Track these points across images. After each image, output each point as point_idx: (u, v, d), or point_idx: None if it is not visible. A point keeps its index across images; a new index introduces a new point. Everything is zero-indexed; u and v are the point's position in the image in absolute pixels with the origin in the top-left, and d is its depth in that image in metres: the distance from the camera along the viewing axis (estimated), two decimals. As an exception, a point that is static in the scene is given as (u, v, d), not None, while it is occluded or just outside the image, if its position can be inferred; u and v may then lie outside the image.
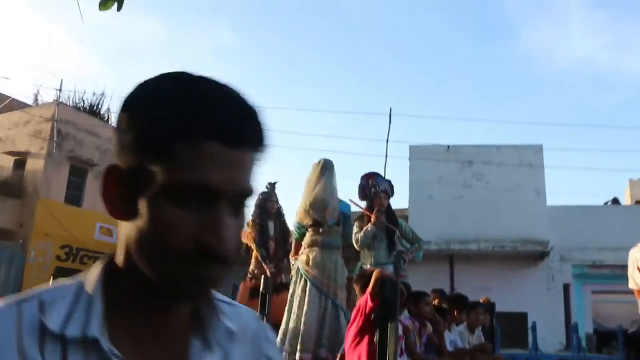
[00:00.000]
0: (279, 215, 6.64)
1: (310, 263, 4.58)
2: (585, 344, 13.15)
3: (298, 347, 4.36)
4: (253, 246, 6.26)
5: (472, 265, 16.15)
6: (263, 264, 6.14)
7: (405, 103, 48.96)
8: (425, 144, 17.62)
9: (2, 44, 39.50)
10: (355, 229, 5.16)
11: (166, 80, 0.66)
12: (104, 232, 16.29)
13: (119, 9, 2.92)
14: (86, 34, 42.47)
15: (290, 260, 5.26)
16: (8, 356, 0.60)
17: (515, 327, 13.83)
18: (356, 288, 4.11)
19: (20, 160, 16.21)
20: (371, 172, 5.71)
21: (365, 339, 3.71)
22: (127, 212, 0.65)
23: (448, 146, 17.24)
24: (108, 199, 0.66)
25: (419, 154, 17.02)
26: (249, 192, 0.66)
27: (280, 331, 4.53)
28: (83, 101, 18.55)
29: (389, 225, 5.24)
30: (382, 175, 5.80)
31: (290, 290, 4.70)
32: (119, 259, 0.68)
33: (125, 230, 0.66)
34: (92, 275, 0.68)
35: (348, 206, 5.18)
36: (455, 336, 5.22)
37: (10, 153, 16.35)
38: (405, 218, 12.51)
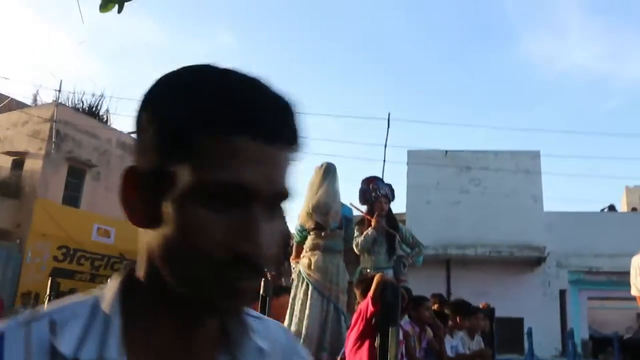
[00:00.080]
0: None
1: (313, 267, 4.59)
2: (581, 349, 13.20)
3: (300, 351, 4.36)
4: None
5: (469, 270, 16.18)
6: (263, 267, 6.14)
7: (404, 108, 49.08)
8: (424, 149, 17.66)
9: (2, 44, 39.44)
10: (355, 233, 5.18)
11: (190, 72, 0.60)
12: (101, 233, 16.28)
13: (119, 11, 2.94)
14: (86, 35, 42.44)
15: (291, 264, 5.27)
16: None
17: (511, 333, 13.85)
18: (357, 292, 4.12)
19: (19, 161, 16.19)
20: (372, 176, 5.74)
21: (366, 344, 3.72)
22: (149, 218, 0.58)
23: (446, 151, 17.29)
24: (128, 204, 0.60)
25: (417, 159, 17.06)
26: (286, 193, 0.60)
27: (282, 335, 4.53)
28: (82, 102, 18.58)
29: (390, 229, 5.26)
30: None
31: (292, 294, 4.70)
32: (140, 270, 0.62)
33: (148, 239, 0.60)
34: (109, 290, 0.61)
35: (350, 210, 5.20)
36: (457, 342, 5.24)
37: (9, 153, 16.33)
38: (403, 223, 12.50)
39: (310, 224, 4.72)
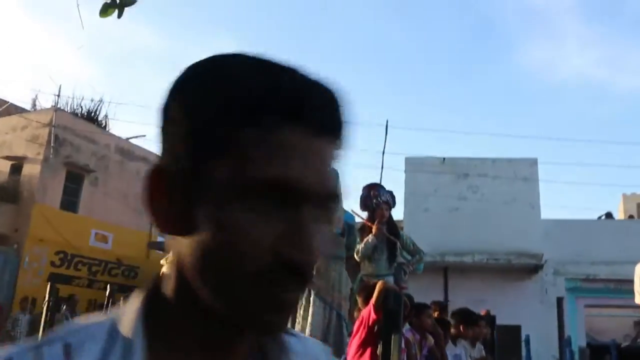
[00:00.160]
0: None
1: (315, 274, 4.60)
2: (579, 357, 13.19)
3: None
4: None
5: (466, 277, 16.18)
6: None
7: (402, 115, 49.17)
8: (421, 156, 17.70)
9: (1, 48, 39.43)
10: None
11: (225, 59, 0.54)
12: (99, 238, 16.25)
13: (119, 16, 2.96)
14: (86, 40, 42.46)
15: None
16: None
17: (508, 340, 13.85)
18: (359, 300, 4.13)
19: (17, 165, 16.16)
20: (373, 182, 5.76)
21: (368, 351, 3.73)
22: (181, 224, 0.51)
23: (444, 158, 17.32)
24: (155, 209, 0.53)
25: (414, 166, 17.10)
26: (335, 194, 0.53)
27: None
28: (81, 107, 18.60)
29: (390, 236, 5.28)
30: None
31: (294, 301, 4.71)
32: (168, 285, 0.55)
33: (179, 248, 0.53)
34: (129, 309, 0.55)
35: (352, 216, 5.22)
36: (460, 350, 5.25)
37: (7, 158, 16.30)
38: (401, 229, 12.54)
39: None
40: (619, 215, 21.97)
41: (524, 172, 16.67)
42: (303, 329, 4.47)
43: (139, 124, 48.71)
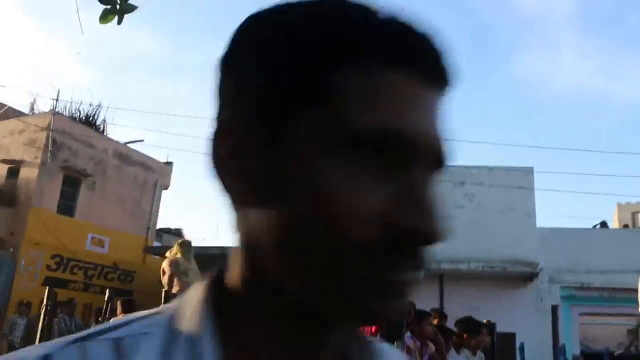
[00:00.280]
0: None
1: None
2: (573, 366, 13.25)
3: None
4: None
5: (462, 285, 16.24)
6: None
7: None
8: (418, 164, 17.77)
9: (0, 52, 39.41)
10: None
11: None
12: (95, 243, 16.25)
13: (119, 22, 3.00)
14: (85, 45, 42.55)
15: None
16: None
17: (504, 348, 13.89)
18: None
19: (14, 169, 16.14)
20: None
21: (370, 358, 3.77)
22: (258, 194, 0.41)
23: (441, 166, 17.41)
24: (223, 177, 0.43)
25: (412, 173, 17.19)
26: (448, 153, 0.43)
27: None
28: (80, 112, 18.54)
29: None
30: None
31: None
32: (235, 273, 0.45)
33: (254, 225, 0.43)
34: (191, 302, 0.45)
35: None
36: (464, 359, 5.29)
37: (5, 161, 16.28)
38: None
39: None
40: (614, 224, 22.10)
41: (520, 181, 16.78)
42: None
43: (137, 129, 48.78)
